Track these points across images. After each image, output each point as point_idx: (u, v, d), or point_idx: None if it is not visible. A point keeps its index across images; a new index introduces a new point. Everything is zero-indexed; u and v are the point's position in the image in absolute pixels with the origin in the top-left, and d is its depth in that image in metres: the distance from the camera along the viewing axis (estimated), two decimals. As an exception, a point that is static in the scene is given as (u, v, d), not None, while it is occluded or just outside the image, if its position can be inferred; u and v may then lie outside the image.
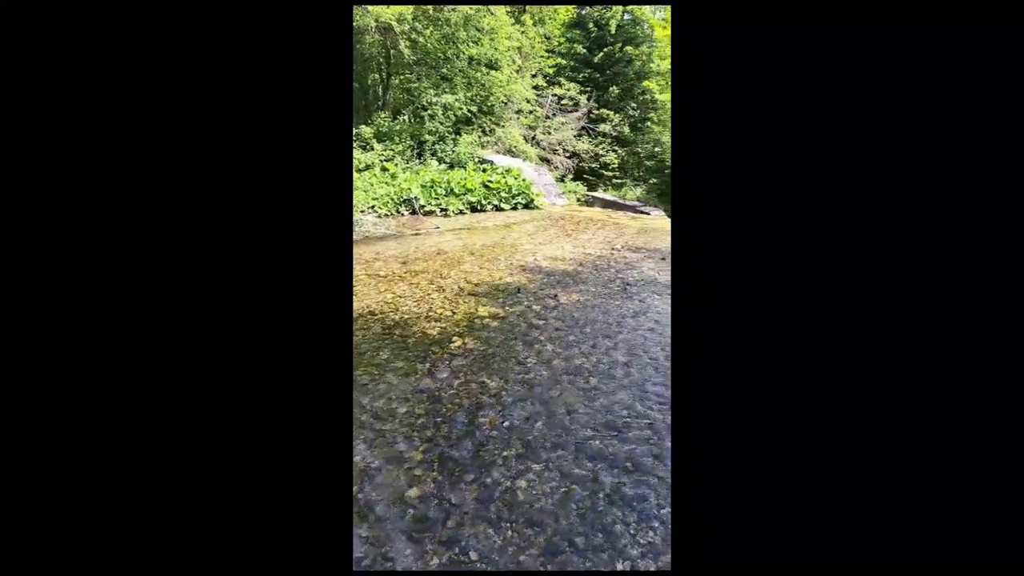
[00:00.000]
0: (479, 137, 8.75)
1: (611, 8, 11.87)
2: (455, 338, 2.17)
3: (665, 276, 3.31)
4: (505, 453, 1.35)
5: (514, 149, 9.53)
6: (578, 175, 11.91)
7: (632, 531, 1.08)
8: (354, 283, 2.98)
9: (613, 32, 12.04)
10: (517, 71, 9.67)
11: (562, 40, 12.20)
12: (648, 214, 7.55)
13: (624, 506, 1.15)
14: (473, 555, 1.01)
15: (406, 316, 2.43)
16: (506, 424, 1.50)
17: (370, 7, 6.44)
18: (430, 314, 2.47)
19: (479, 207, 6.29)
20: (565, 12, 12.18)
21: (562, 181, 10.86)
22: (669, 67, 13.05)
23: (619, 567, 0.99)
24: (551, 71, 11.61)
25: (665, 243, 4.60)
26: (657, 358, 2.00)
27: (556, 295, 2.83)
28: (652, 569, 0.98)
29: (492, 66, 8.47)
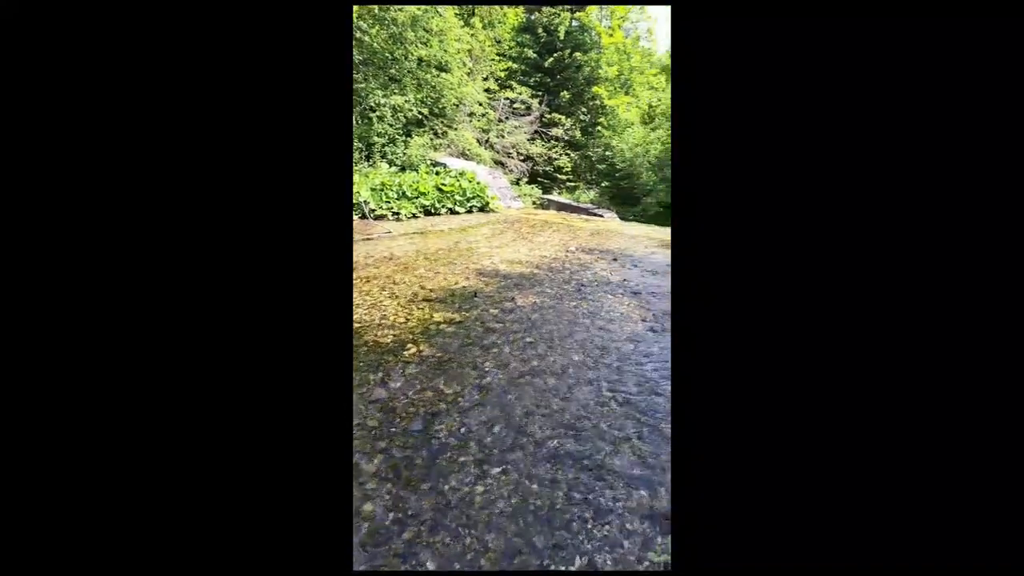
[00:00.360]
0: (431, 139, 8.67)
1: (560, 14, 12.21)
2: (409, 345, 2.13)
3: (616, 276, 3.45)
4: (462, 459, 1.35)
5: (468, 152, 9.53)
6: (533, 178, 12.12)
7: (589, 526, 1.11)
8: (299, 292, 2.84)
9: (562, 38, 12.39)
10: (468, 74, 9.69)
11: (512, 44, 12.39)
12: (601, 216, 7.82)
13: (581, 502, 1.19)
14: (430, 566, 0.99)
15: (357, 325, 2.36)
16: (463, 430, 1.49)
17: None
18: (383, 322, 2.41)
19: (433, 211, 6.22)
20: (514, 16, 12.38)
21: (517, 184, 10.99)
22: (616, 73, 13.64)
23: (577, 562, 1.01)
24: (502, 75, 11.74)
25: (616, 244, 4.78)
26: (611, 355, 2.08)
27: (514, 298, 2.85)
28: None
29: (442, 68, 8.43)
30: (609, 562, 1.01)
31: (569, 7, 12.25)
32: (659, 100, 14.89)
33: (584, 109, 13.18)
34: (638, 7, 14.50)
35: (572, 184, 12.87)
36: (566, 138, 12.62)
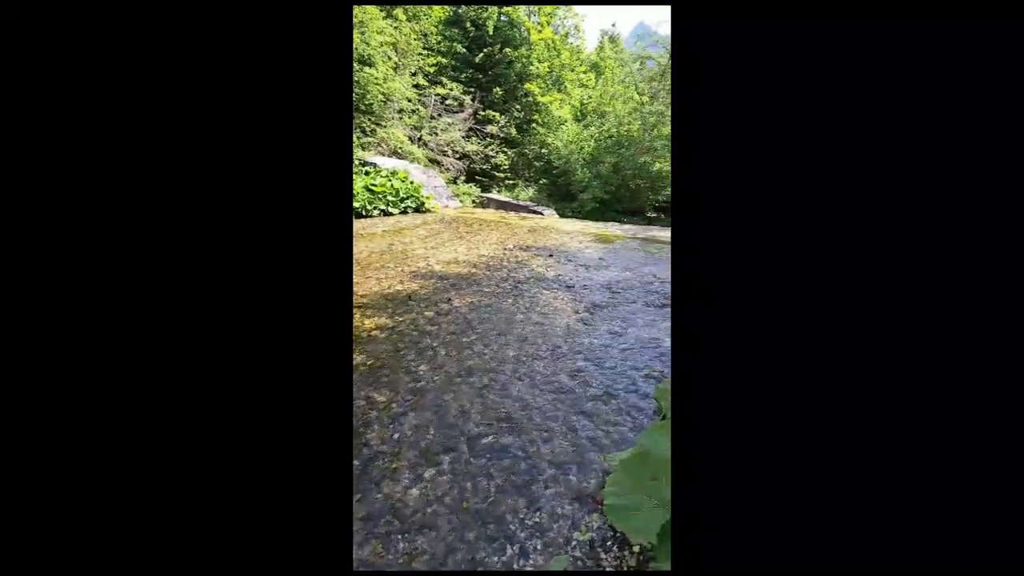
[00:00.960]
0: (358, 138, 8.37)
1: (487, 8, 12.30)
2: (338, 355, 2.07)
3: (552, 272, 3.57)
4: (394, 466, 1.35)
5: (400, 150, 9.32)
6: (471, 177, 12.12)
7: (522, 515, 1.17)
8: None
9: (491, 33, 12.47)
10: (394, 68, 9.47)
11: (440, 38, 12.27)
12: (541, 214, 8.02)
13: (514, 493, 1.24)
14: (361, 576, 0.99)
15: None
16: (396, 436, 1.49)
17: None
18: (308, 333, 2.31)
19: (364, 213, 6.03)
20: (440, 9, 12.27)
21: (455, 183, 10.94)
22: (547, 70, 14.02)
23: (508, 551, 1.06)
24: (432, 70, 11.60)
25: (552, 240, 4.94)
26: (545, 349, 2.17)
27: (450, 299, 2.86)
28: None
29: (365, 62, 8.17)
30: (539, 546, 1.07)
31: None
32: (590, 97, 15.52)
33: (518, 106, 13.40)
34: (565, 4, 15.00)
35: (511, 182, 13.04)
36: (502, 135, 12.75)
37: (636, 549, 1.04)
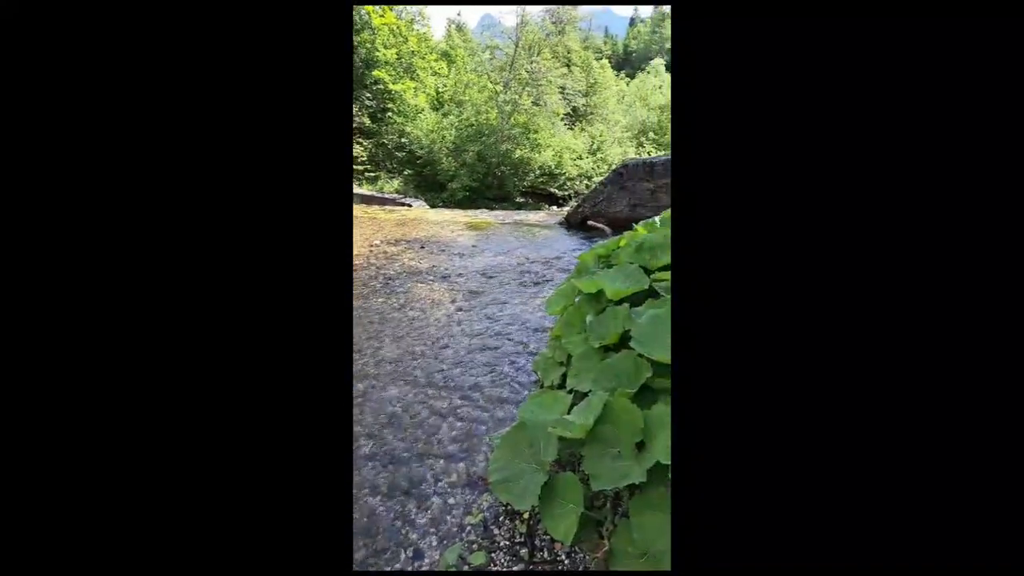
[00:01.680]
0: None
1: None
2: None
3: (425, 263, 3.51)
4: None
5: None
6: (324, 172, 11.12)
7: (414, 514, 1.13)
8: None
9: (327, 13, 11.46)
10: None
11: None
12: (410, 205, 7.77)
13: (404, 494, 1.20)
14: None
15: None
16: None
17: None
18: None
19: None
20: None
21: (306, 180, 9.89)
22: (395, 56, 13.50)
23: (403, 555, 1.02)
24: (259, 52, 10.23)
25: (423, 232, 4.85)
26: (424, 343, 2.12)
27: (311, 308, 2.60)
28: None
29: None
30: (434, 542, 1.06)
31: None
32: (445, 86, 15.45)
33: (368, 94, 12.67)
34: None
35: (372, 174, 12.37)
36: (354, 125, 11.94)
37: (525, 516, 1.09)
